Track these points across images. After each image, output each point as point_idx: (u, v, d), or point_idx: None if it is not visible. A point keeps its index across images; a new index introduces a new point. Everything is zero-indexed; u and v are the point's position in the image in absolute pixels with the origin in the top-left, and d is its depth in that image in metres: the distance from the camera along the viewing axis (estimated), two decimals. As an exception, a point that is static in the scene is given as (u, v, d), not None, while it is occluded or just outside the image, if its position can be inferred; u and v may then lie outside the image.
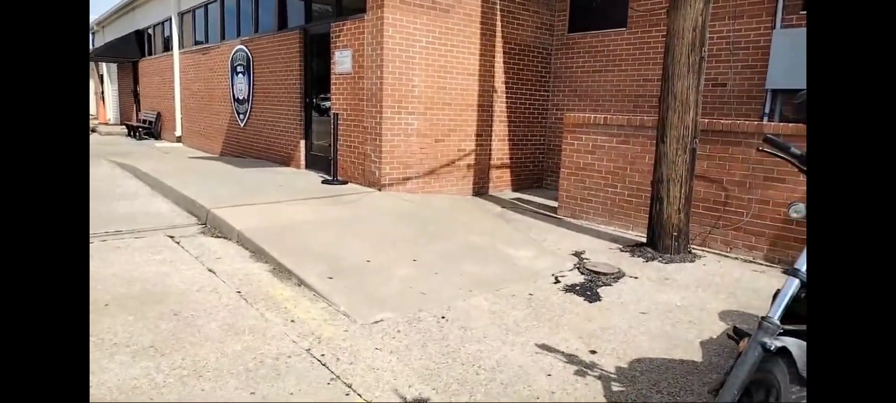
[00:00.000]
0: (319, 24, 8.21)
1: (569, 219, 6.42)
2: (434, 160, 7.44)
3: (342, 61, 7.55)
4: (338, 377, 2.63)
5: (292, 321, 3.27)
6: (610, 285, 4.12)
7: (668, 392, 2.60)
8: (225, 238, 5.06)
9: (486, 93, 7.87)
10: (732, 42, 6.61)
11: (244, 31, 10.46)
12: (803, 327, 1.79)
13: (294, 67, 8.67)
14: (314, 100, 8.53)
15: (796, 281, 1.81)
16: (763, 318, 1.79)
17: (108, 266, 4.09)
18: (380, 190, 7.04)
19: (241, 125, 10.55)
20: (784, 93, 6.22)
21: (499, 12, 7.81)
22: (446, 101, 7.43)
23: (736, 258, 5.00)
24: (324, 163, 8.24)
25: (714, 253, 5.16)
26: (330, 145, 7.72)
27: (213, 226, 5.38)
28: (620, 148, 5.98)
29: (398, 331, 3.16)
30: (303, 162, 8.78)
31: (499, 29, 7.86)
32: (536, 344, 3.05)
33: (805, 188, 2.14)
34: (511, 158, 8.41)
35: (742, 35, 6.57)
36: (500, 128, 8.16)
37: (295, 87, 8.71)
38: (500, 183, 8.33)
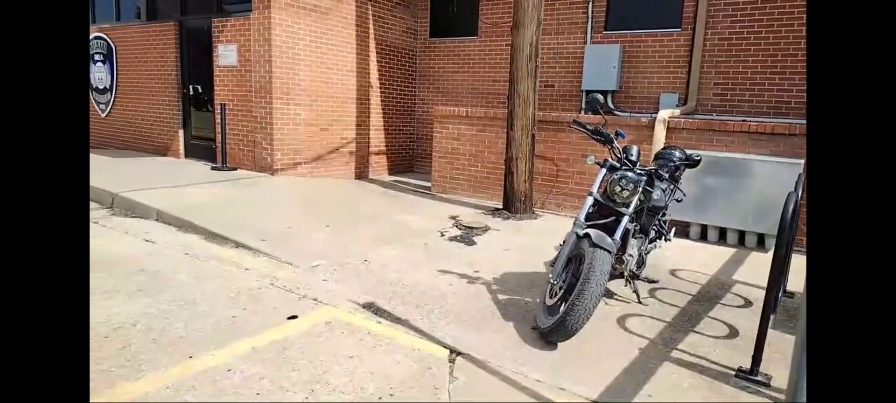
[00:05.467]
0: (196, 18, 8.48)
1: (441, 194, 7.79)
2: (321, 147, 8.29)
3: (227, 55, 8.00)
4: (305, 295, 3.59)
5: (246, 269, 4.09)
6: (481, 235, 5.53)
7: (523, 284, 4.02)
8: (141, 217, 5.48)
9: (363, 88, 8.90)
10: (557, 53, 8.53)
11: (101, 19, 10.07)
12: (595, 222, 3.28)
13: (170, 58, 8.79)
14: (192, 91, 8.76)
15: (591, 198, 3.32)
16: (575, 221, 3.24)
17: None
18: (272, 174, 7.71)
19: (102, 115, 10.16)
20: (593, 92, 8.24)
21: (371, 17, 8.88)
22: (329, 94, 8.32)
23: (565, 215, 6.77)
24: (203, 151, 8.58)
25: (551, 212, 6.89)
26: (214, 134, 8.15)
27: (124, 208, 5.71)
28: (479, 135, 7.49)
29: (335, 271, 4.16)
30: (181, 150, 8.96)
31: (371, 31, 8.93)
32: (437, 270, 4.28)
33: (602, 152, 3.77)
34: (387, 146, 9.56)
35: (564, 47, 8.50)
36: (376, 119, 9.26)
37: (171, 78, 8.84)
38: (379, 167, 9.44)
